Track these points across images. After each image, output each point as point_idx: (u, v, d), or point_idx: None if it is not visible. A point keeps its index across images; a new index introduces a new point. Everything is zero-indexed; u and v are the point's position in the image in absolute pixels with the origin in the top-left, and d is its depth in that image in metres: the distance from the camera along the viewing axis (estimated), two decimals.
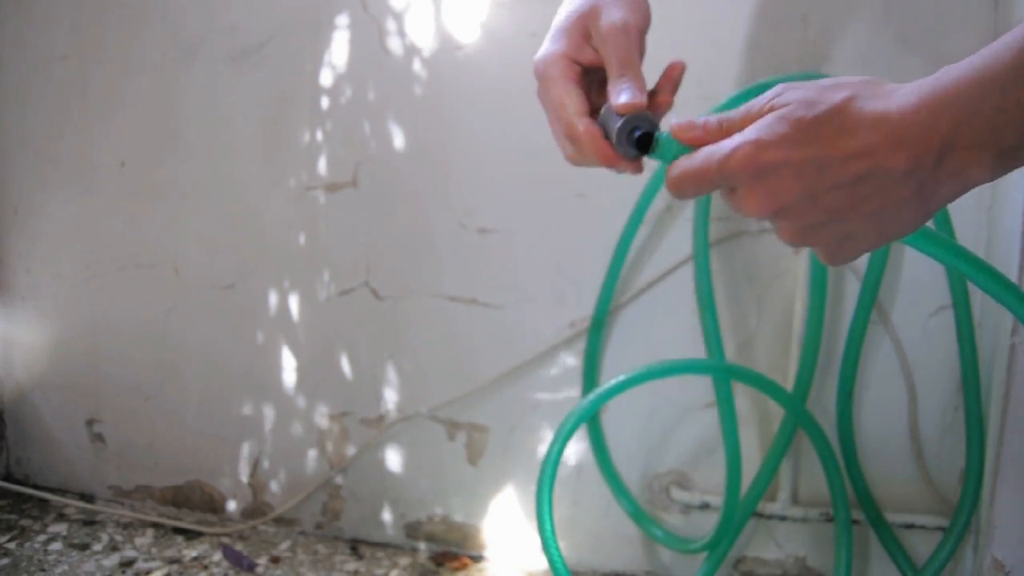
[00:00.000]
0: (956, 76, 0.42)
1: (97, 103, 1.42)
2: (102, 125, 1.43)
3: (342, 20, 1.29)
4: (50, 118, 1.45)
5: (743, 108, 0.46)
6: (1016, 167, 0.42)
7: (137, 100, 1.40)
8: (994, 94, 0.40)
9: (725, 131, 0.46)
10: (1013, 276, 0.93)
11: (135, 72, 1.39)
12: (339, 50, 1.29)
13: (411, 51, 1.26)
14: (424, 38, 1.26)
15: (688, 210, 1.20)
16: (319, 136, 1.32)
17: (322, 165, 1.33)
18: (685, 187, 0.47)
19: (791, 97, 0.44)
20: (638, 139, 0.49)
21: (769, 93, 0.46)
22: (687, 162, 0.46)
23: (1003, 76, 0.40)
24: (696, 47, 1.16)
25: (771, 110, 0.44)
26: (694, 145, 0.47)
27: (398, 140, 1.29)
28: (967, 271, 0.53)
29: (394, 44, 1.27)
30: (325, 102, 1.31)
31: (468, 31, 1.24)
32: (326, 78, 1.30)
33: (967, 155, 0.41)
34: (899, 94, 0.43)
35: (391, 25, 1.27)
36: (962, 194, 0.44)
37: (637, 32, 0.53)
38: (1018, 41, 0.41)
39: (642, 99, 0.50)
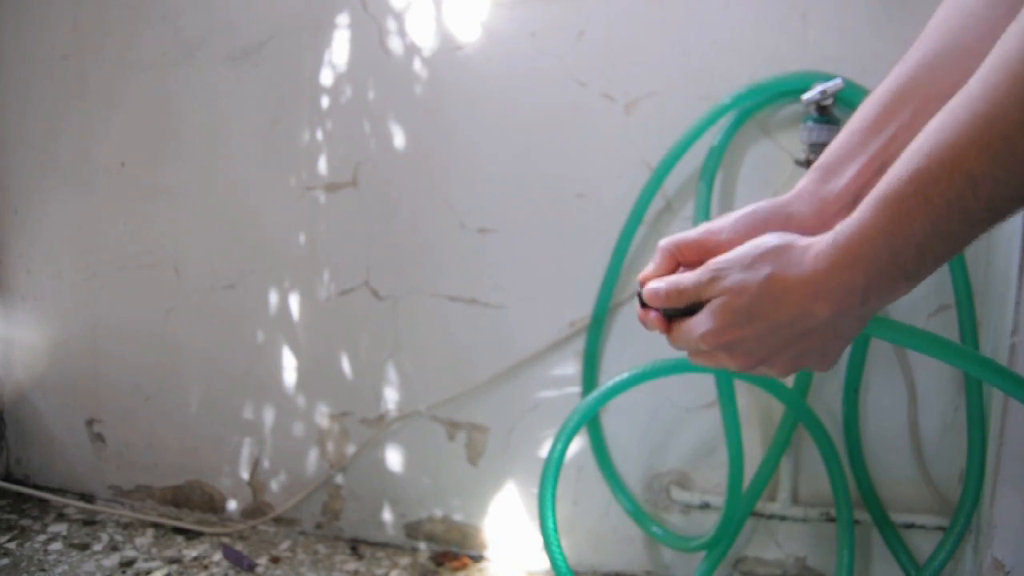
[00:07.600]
0: (859, 229, 0.48)
1: (97, 103, 1.42)
2: (102, 125, 1.43)
3: (342, 20, 1.29)
4: (50, 118, 1.45)
5: (692, 278, 0.56)
6: (928, 274, 0.49)
7: (137, 100, 1.40)
8: (893, 240, 0.47)
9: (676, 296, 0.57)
10: (1013, 276, 0.93)
11: (135, 72, 1.39)
12: (339, 50, 1.29)
13: (411, 51, 1.26)
14: (424, 38, 1.25)
15: (688, 209, 1.20)
16: (319, 136, 1.32)
17: (322, 165, 1.33)
18: (678, 345, 0.59)
19: (723, 286, 0.53)
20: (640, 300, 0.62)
21: (706, 272, 0.55)
22: (674, 336, 0.59)
23: (896, 224, 0.46)
24: (696, 47, 1.16)
25: (711, 281, 0.54)
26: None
27: (398, 140, 1.29)
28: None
29: (394, 44, 1.27)
30: (325, 102, 1.31)
31: (468, 31, 1.24)
32: (326, 78, 1.30)
33: (887, 289, 0.50)
34: (811, 258, 0.51)
35: (391, 25, 1.27)
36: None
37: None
38: (900, 183, 0.46)
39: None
